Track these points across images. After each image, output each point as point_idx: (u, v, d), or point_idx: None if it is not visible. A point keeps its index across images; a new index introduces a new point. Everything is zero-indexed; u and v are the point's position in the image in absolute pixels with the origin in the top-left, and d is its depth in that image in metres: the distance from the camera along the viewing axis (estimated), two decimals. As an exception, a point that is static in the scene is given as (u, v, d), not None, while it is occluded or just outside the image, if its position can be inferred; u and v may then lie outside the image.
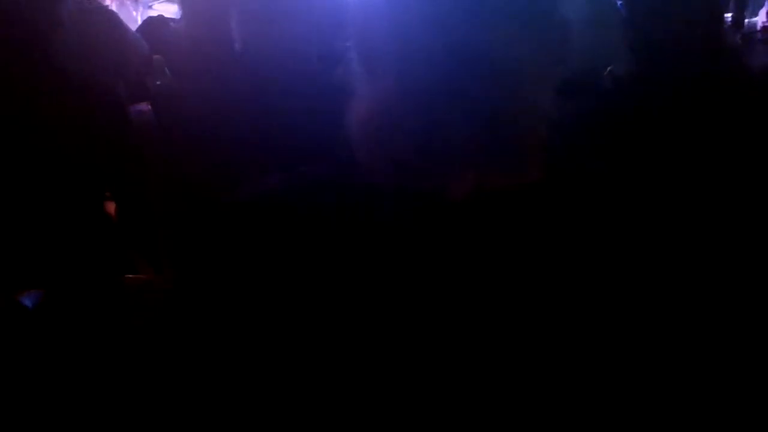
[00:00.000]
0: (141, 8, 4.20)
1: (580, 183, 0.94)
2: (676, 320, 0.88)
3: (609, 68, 2.25)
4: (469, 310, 0.87)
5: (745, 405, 0.88)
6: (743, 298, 0.90)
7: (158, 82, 2.82)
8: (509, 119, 0.89)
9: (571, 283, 0.88)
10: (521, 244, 0.88)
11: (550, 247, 0.89)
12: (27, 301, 1.80)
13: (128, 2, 4.02)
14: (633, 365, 0.87)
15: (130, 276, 2.61)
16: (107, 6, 3.49)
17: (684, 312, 0.88)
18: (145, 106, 2.94)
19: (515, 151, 0.91)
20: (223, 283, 0.97)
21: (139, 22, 3.97)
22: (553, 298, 0.88)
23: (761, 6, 3.54)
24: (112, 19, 3.20)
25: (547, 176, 0.91)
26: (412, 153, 0.91)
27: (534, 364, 0.87)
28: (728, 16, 2.93)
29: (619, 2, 2.19)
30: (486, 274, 0.88)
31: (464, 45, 0.84)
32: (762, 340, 0.90)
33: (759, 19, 3.52)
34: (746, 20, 3.34)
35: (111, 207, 2.85)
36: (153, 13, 4.22)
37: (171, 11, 3.97)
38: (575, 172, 0.97)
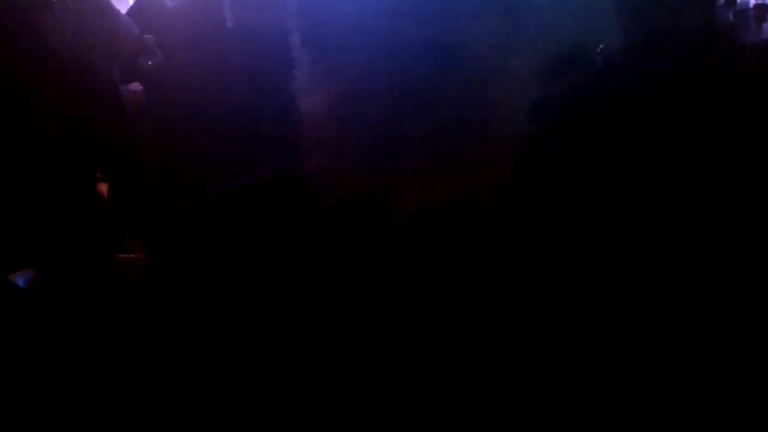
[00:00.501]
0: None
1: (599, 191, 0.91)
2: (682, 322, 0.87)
3: (601, 46, 2.24)
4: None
5: (744, 405, 0.87)
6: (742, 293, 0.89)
7: (150, 62, 2.81)
8: (479, 116, 0.86)
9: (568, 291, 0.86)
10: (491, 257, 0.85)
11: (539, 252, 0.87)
12: (20, 281, 1.80)
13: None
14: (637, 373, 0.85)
15: (122, 256, 2.60)
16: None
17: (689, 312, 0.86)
18: (136, 86, 2.93)
19: (485, 151, 0.89)
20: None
21: (130, 3, 3.94)
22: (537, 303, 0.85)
23: (754, -17, 3.53)
24: (102, 1, 3.18)
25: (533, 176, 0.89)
26: (364, 158, 0.88)
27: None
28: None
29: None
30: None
31: (433, 37, 0.82)
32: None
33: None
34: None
35: (103, 188, 2.85)
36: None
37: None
38: (592, 179, 0.94)
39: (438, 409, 0.83)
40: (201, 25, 2.43)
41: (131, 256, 2.62)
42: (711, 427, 0.88)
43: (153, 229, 2.67)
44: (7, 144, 2.55)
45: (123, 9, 3.58)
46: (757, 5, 3.54)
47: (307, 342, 0.86)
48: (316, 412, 0.85)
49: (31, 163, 2.57)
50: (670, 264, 0.89)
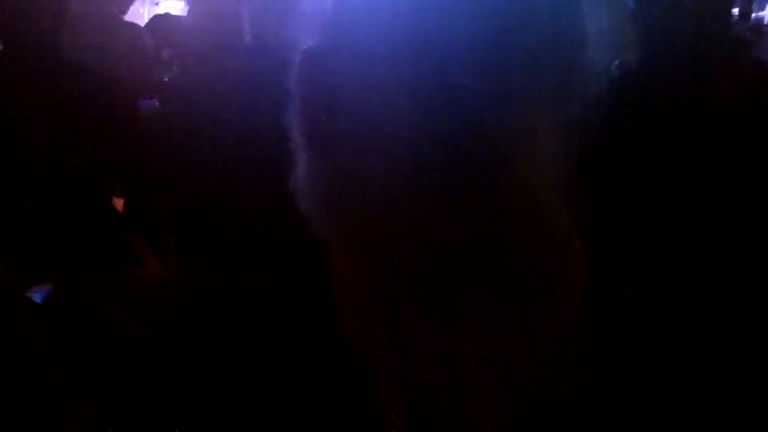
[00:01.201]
0: (147, 4, 4.19)
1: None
2: None
3: (617, 61, 2.24)
4: None
5: None
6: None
7: (167, 77, 2.82)
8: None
9: None
10: None
11: None
12: (37, 296, 1.80)
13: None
14: None
15: (138, 268, 2.61)
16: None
17: None
18: (153, 100, 2.94)
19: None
20: None
21: (146, 18, 3.97)
22: None
23: (768, 1, 3.53)
24: (118, 14, 3.21)
25: None
26: None
27: None
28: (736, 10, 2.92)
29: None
30: None
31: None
32: None
33: (767, 14, 3.50)
34: (753, 14, 3.32)
35: (119, 201, 2.86)
36: (159, 9, 4.21)
37: (177, 8, 3.97)
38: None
39: None
40: (218, 40, 2.45)
41: (147, 268, 2.63)
42: None
43: (168, 240, 2.68)
44: (24, 156, 2.57)
45: (139, 23, 3.60)
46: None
47: None
48: None
49: (47, 173, 2.58)
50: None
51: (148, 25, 3.58)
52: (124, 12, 3.29)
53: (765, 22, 3.23)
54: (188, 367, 0.85)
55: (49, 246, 2.44)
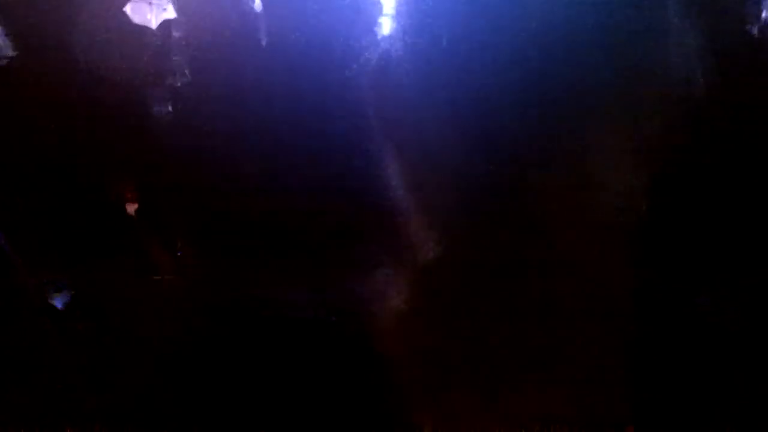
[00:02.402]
0: (155, 10, 4.19)
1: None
2: None
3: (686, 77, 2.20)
4: None
5: None
6: None
7: (179, 83, 2.82)
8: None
9: None
10: None
11: None
12: (57, 302, 1.80)
13: (143, 4, 4.00)
14: None
15: (152, 276, 2.60)
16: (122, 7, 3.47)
17: None
18: (165, 107, 2.94)
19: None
20: None
21: (154, 23, 3.96)
22: None
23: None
24: (127, 19, 3.19)
25: None
26: None
27: None
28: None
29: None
30: None
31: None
32: None
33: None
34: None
35: (132, 208, 2.85)
36: (167, 14, 4.20)
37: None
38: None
39: None
40: (232, 44, 2.44)
41: (161, 276, 2.62)
42: None
43: (181, 247, 2.67)
44: (39, 163, 2.56)
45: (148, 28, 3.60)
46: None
47: None
48: None
49: (58, 179, 2.58)
50: None
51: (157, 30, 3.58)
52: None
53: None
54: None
55: (63, 248, 2.44)
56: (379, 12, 3.22)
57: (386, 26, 3.27)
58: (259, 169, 2.28)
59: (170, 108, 2.80)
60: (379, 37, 3.11)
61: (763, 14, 2.18)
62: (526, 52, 0.59)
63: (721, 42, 2.04)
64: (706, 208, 1.94)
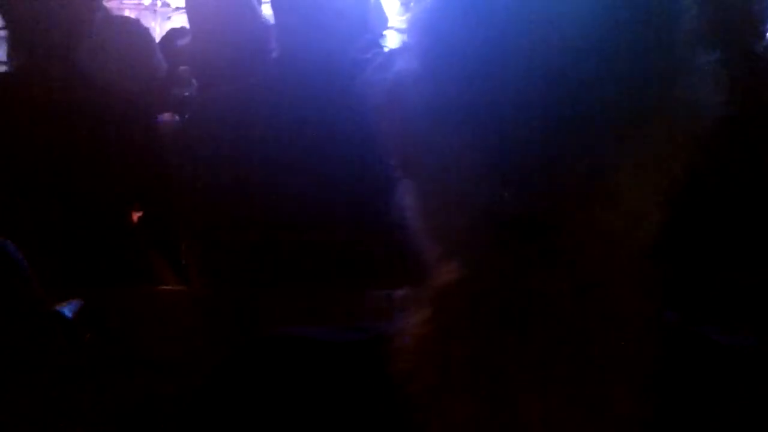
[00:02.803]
0: (159, 19, 4.22)
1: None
2: None
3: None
4: None
5: None
6: None
7: (186, 93, 2.83)
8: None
9: None
10: None
11: None
12: (66, 311, 1.79)
13: (147, 13, 4.02)
14: None
15: (157, 287, 2.60)
16: (132, 17, 3.49)
17: None
18: (170, 116, 2.95)
19: None
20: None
21: (158, 32, 3.98)
22: None
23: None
24: (137, 29, 3.21)
25: None
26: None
27: None
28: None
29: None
30: None
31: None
32: None
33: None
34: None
35: (135, 217, 2.85)
36: (171, 23, 4.22)
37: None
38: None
39: None
40: (240, 55, 2.44)
41: (166, 287, 2.62)
42: None
43: (188, 259, 2.67)
44: (43, 174, 2.56)
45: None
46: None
47: None
48: None
49: (64, 188, 2.57)
50: None
51: (163, 39, 3.60)
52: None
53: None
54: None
55: (67, 261, 2.44)
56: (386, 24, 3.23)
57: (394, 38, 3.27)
58: (267, 176, 2.27)
59: (176, 118, 2.81)
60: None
61: None
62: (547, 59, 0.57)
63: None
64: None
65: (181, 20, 4.25)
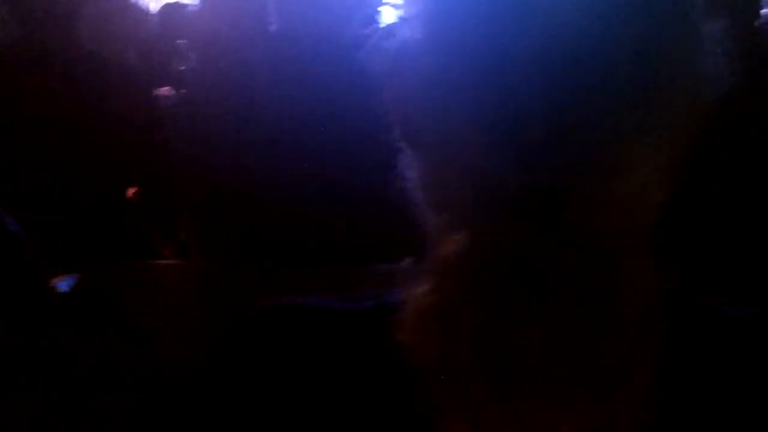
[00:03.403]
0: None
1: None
2: None
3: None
4: None
5: None
6: None
7: (182, 67, 2.81)
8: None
9: None
10: None
11: None
12: (64, 285, 1.79)
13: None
14: None
15: (155, 260, 2.60)
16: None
17: None
18: (168, 90, 2.92)
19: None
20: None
21: (152, 8, 3.94)
22: None
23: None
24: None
25: None
26: None
27: None
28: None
29: None
30: None
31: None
32: None
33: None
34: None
35: (132, 192, 2.84)
36: (168, -2, 4.19)
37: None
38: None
39: None
40: (239, 29, 2.42)
41: (164, 261, 2.62)
42: None
43: (187, 233, 2.66)
44: (41, 149, 2.55)
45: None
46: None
47: None
48: None
49: (64, 166, 2.57)
50: None
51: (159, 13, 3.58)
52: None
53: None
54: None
55: (66, 236, 2.43)
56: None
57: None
58: (267, 151, 2.26)
59: (174, 93, 2.79)
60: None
61: None
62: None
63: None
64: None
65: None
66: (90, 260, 2.23)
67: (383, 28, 2.88)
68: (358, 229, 2.11)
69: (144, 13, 3.25)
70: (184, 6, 3.74)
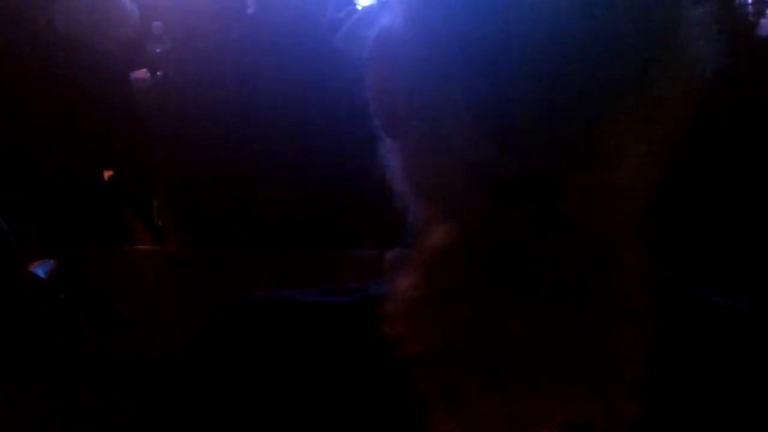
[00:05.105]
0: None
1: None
2: None
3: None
4: None
5: None
6: None
7: (158, 49, 2.78)
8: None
9: None
10: None
11: None
12: (40, 271, 1.77)
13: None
14: None
15: (132, 246, 2.58)
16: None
17: None
18: (143, 73, 2.90)
19: None
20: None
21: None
22: None
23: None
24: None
25: None
26: None
27: None
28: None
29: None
30: None
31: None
32: None
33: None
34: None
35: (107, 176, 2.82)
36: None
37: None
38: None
39: None
40: (215, 11, 2.40)
41: (141, 246, 2.60)
42: None
43: (163, 218, 2.65)
44: (17, 133, 2.52)
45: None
46: (756, 1, 3.53)
47: None
48: None
49: (41, 151, 2.54)
50: None
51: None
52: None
53: None
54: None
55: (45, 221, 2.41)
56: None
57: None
58: (244, 134, 2.25)
59: (149, 75, 2.77)
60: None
61: None
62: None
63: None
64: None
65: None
66: (66, 245, 2.21)
67: (360, 11, 2.87)
68: (339, 214, 2.11)
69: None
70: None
